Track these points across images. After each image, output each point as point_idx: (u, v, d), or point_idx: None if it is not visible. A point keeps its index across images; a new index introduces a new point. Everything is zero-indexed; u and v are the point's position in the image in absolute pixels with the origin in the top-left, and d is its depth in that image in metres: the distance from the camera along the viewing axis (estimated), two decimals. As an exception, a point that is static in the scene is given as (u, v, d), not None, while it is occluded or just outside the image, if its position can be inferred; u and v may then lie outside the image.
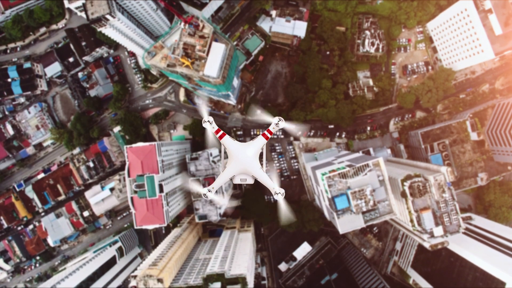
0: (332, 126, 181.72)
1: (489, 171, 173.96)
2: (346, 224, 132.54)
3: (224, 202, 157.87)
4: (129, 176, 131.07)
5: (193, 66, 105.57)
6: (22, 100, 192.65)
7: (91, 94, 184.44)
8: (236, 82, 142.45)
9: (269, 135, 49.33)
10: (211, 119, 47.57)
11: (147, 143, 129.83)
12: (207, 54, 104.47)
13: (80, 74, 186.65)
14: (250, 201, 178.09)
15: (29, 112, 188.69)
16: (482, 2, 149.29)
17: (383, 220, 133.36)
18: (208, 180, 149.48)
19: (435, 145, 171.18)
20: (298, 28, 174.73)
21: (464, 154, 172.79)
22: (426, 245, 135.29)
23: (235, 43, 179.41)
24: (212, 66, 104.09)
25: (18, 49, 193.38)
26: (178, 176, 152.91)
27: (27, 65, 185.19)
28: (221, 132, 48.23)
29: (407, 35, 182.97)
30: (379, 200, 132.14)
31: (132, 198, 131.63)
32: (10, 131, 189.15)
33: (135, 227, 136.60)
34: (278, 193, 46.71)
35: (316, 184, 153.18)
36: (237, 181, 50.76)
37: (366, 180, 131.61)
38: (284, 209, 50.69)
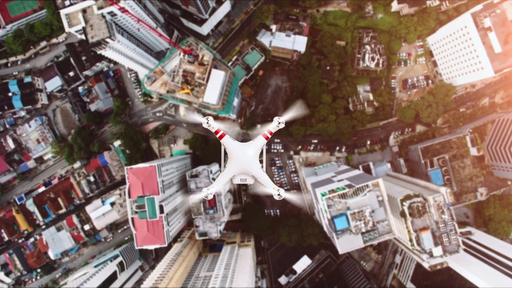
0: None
1: (489, 186, 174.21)
2: (346, 244, 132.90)
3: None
4: (129, 197, 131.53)
5: (192, 92, 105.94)
6: (23, 113, 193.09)
7: (91, 109, 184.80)
8: (236, 101, 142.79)
9: (269, 135, 49.32)
10: (210, 118, 47.49)
11: (147, 164, 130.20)
12: (207, 81, 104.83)
13: (80, 89, 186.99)
14: (250, 216, 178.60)
15: (29, 126, 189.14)
16: (482, 20, 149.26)
17: (382, 240, 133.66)
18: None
19: (435, 160, 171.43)
20: (298, 43, 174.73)
21: (464, 169, 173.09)
22: (425, 265, 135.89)
23: (235, 57, 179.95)
24: (212, 93, 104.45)
25: (19, 62, 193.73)
26: (179, 194, 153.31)
27: (27, 79, 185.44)
28: (221, 132, 48.23)
29: (407, 49, 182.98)
30: (378, 220, 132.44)
31: (132, 218, 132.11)
32: (11, 144, 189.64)
33: (136, 248, 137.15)
34: (278, 193, 46.80)
35: (316, 201, 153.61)
36: (237, 181, 50.41)
37: (365, 201, 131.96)
38: (292, 199, 51.24)
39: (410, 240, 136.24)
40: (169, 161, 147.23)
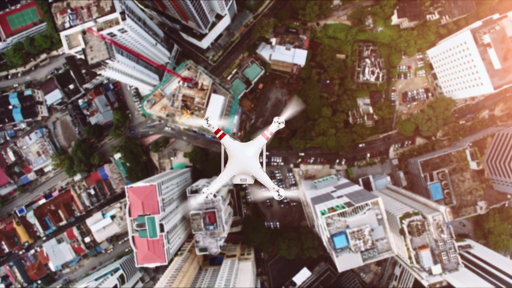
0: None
1: (489, 200, 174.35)
2: (345, 262, 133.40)
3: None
4: (130, 215, 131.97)
5: (192, 116, 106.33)
6: (23, 125, 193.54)
7: (91, 122, 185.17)
8: (236, 118, 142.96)
9: (269, 135, 49.67)
10: (211, 119, 47.46)
11: (147, 183, 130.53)
12: (206, 106, 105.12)
13: (80, 101, 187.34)
14: (250, 229, 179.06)
15: (30, 138, 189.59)
16: (481, 36, 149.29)
17: (381, 258, 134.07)
18: (209, 214, 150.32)
19: (435, 174, 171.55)
20: (298, 56, 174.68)
21: (463, 183, 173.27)
22: (425, 283, 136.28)
23: (234, 70, 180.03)
24: (212, 117, 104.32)
25: (19, 75, 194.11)
26: (179, 209, 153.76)
27: (28, 92, 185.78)
28: (221, 132, 48.50)
29: (407, 62, 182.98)
30: (378, 238, 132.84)
31: (133, 237, 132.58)
32: (12, 157, 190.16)
33: (136, 266, 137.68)
34: (278, 193, 47.12)
35: (316, 216, 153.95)
36: (237, 181, 50.87)
37: (364, 219, 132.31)
38: (292, 196, 51.81)
39: (410, 257, 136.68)
40: (169, 177, 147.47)
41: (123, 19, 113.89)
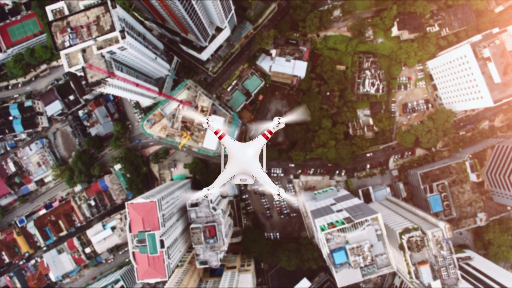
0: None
1: (489, 211, 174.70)
2: (344, 278, 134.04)
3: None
4: (130, 231, 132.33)
5: (192, 137, 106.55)
6: (23, 136, 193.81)
7: (91, 133, 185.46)
8: (236, 132, 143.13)
9: (269, 135, 49.53)
10: (210, 118, 47.35)
11: (147, 200, 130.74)
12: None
13: (80, 112, 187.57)
14: (250, 240, 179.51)
15: (30, 149, 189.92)
16: (481, 50, 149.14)
17: (381, 274, 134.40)
18: (209, 228, 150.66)
19: (434, 186, 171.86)
20: (298, 68, 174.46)
21: (463, 194, 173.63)
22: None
23: (234, 82, 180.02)
24: (211, 140, 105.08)
25: (20, 85, 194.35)
26: (179, 223, 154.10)
27: (28, 103, 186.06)
28: (221, 132, 48.44)
29: (408, 73, 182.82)
30: (377, 254, 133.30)
31: (133, 252, 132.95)
32: (12, 168, 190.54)
33: (137, 282, 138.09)
34: (278, 193, 47.14)
35: (316, 229, 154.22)
36: (237, 181, 50.19)
37: (364, 235, 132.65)
38: (291, 200, 51.66)
39: (409, 273, 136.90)
40: (169, 191, 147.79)
41: (123, 37, 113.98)
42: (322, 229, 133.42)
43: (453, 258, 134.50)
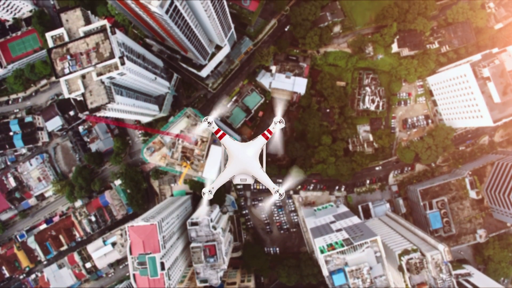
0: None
1: (488, 228, 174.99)
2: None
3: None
4: (131, 253, 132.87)
5: (192, 166, 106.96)
6: (24, 151, 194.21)
7: (92, 148, 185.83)
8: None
9: (269, 135, 49.47)
10: (210, 118, 46.91)
11: (148, 223, 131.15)
12: (206, 157, 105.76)
13: (80, 128, 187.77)
14: (250, 256, 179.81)
15: (30, 164, 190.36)
16: (481, 70, 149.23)
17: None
18: (209, 247, 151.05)
19: (434, 203, 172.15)
20: (298, 85, 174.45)
21: (463, 211, 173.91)
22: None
23: (234, 98, 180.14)
24: (211, 169, 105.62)
25: (20, 100, 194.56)
26: (180, 241, 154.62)
27: (28, 118, 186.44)
28: (221, 132, 48.56)
29: (408, 89, 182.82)
30: (376, 276, 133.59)
31: (134, 274, 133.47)
32: (12, 183, 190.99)
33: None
34: (279, 192, 47.34)
35: (315, 247, 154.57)
36: (237, 181, 50.80)
37: (363, 257, 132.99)
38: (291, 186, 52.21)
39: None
40: (170, 211, 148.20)
41: (122, 63, 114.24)
42: (322, 251, 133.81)
43: (452, 281, 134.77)
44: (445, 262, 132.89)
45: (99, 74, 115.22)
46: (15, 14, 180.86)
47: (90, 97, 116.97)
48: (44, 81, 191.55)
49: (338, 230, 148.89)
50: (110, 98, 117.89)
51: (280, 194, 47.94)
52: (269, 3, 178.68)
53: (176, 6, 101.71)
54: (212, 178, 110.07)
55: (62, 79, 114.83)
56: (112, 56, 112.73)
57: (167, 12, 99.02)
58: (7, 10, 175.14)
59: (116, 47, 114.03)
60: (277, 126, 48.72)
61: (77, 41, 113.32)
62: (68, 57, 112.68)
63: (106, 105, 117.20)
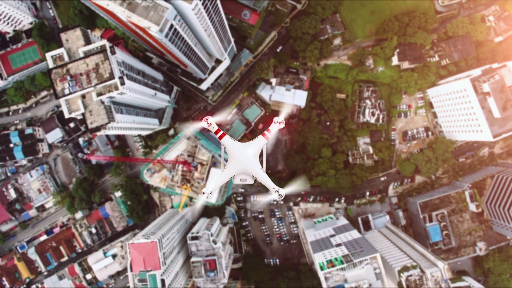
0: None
1: (488, 240, 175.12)
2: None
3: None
4: (131, 270, 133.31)
5: (192, 188, 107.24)
6: (24, 161, 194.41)
7: (92, 160, 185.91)
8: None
9: (269, 135, 49.34)
10: (210, 118, 47.05)
11: (148, 240, 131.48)
12: (206, 180, 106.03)
13: (81, 140, 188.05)
14: (250, 268, 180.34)
15: (31, 176, 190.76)
16: (481, 85, 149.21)
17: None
18: (209, 261, 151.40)
19: (434, 215, 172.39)
20: (298, 97, 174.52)
21: (462, 224, 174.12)
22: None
23: (234, 110, 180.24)
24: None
25: (20, 111, 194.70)
26: (180, 255, 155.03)
27: (28, 130, 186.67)
28: (221, 132, 48.49)
29: (408, 101, 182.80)
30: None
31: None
32: (13, 194, 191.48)
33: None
34: (278, 192, 47.58)
35: (315, 262, 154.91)
36: (237, 181, 50.85)
37: (362, 274, 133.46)
38: (292, 190, 52.39)
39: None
40: (170, 226, 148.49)
41: (122, 84, 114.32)
42: (322, 268, 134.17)
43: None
44: (444, 279, 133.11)
45: (99, 94, 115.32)
46: (15, 26, 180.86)
47: (90, 117, 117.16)
48: (44, 93, 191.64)
49: (338, 245, 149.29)
50: (110, 117, 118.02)
51: (280, 194, 48.10)
52: (269, 15, 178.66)
53: (176, 29, 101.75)
54: (213, 202, 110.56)
55: (62, 100, 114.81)
56: (112, 77, 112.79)
57: (166, 36, 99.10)
58: (8, 23, 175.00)
59: (116, 67, 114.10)
60: (277, 126, 48.81)
61: (77, 62, 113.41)
62: (68, 77, 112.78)
63: (106, 125, 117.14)
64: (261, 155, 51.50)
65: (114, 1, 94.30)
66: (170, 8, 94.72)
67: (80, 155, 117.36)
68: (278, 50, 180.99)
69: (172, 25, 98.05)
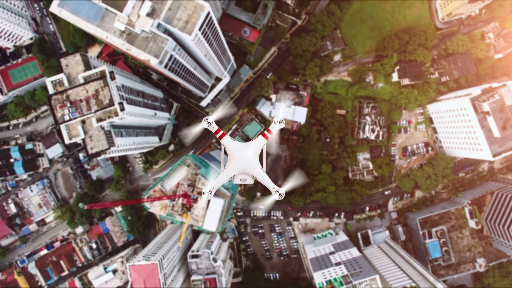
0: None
1: (488, 256, 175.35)
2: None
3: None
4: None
5: (192, 216, 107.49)
6: (24, 176, 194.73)
7: (92, 176, 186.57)
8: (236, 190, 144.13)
9: (269, 135, 49.51)
10: (210, 118, 47.25)
11: (149, 262, 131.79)
12: (206, 209, 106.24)
13: (81, 156, 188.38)
14: (250, 283, 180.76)
15: (31, 190, 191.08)
16: (480, 104, 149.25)
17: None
18: (209, 280, 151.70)
19: (433, 232, 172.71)
20: (298, 114, 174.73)
21: (462, 240, 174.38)
22: None
23: (234, 126, 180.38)
24: (212, 221, 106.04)
25: (20, 125, 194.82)
26: (180, 274, 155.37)
27: (29, 146, 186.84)
28: (221, 132, 48.76)
29: (408, 117, 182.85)
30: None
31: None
32: (13, 209, 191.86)
33: None
34: (278, 192, 47.95)
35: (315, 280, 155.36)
36: (237, 181, 50.78)
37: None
38: (292, 186, 52.71)
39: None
40: (170, 245, 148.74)
41: (122, 109, 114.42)
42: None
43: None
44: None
45: (99, 120, 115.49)
46: (16, 42, 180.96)
47: (90, 142, 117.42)
48: (44, 107, 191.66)
49: (337, 264, 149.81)
50: (110, 142, 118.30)
51: (280, 194, 48.21)
52: (269, 31, 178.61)
53: (175, 59, 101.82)
54: (213, 230, 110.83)
55: (62, 125, 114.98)
56: (111, 103, 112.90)
57: (166, 66, 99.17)
58: (8, 39, 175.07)
59: (116, 93, 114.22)
60: (276, 126, 49.00)
61: (77, 88, 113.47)
62: (68, 104, 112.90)
63: (106, 150, 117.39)
64: (261, 155, 51.53)
65: (114, 33, 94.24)
66: (170, 40, 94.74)
67: (80, 205, 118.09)
68: (268, 76, 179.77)
69: (171, 56, 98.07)
